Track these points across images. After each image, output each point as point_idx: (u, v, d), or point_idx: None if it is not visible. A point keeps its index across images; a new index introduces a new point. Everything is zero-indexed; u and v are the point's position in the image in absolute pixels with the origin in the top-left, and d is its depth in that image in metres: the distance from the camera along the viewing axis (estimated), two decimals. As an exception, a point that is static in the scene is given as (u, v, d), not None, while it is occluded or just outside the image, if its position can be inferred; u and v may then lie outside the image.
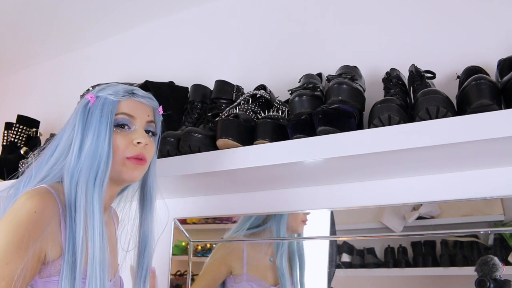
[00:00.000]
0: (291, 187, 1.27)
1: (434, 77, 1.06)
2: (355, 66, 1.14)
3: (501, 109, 0.85)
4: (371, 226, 1.15)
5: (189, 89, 1.40)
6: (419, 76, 1.02)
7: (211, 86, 1.33)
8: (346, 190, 1.19)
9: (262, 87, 1.27)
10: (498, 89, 0.85)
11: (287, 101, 1.17)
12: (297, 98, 1.04)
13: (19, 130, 1.72)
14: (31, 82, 2.18)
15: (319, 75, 1.21)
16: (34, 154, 0.97)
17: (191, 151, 1.13)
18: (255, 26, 1.52)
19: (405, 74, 1.10)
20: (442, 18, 1.19)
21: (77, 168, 0.83)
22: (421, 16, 1.22)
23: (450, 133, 0.82)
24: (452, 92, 0.98)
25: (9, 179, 1.50)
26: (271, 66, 1.44)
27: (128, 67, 1.80)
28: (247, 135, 1.08)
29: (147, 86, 1.43)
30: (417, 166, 1.03)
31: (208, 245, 1.42)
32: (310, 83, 1.10)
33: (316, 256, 1.22)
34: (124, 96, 0.89)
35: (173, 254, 1.45)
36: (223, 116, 1.16)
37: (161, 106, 0.98)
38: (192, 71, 1.60)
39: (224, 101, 1.27)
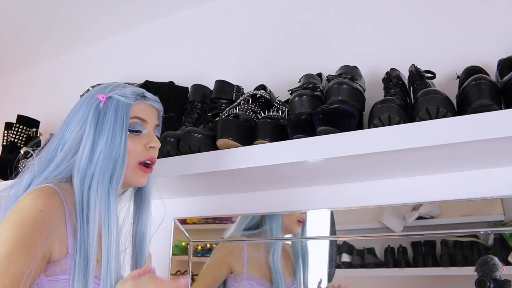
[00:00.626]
0: (291, 187, 1.27)
1: (434, 77, 1.06)
2: (355, 66, 1.14)
3: (501, 109, 0.85)
4: (371, 226, 1.15)
5: (189, 89, 1.40)
6: (419, 76, 1.02)
7: (211, 86, 1.33)
8: (346, 190, 1.19)
9: (262, 87, 1.27)
10: (498, 89, 0.85)
11: (287, 101, 1.17)
12: (297, 98, 1.04)
13: (19, 130, 1.72)
14: (31, 82, 2.18)
15: (319, 75, 1.21)
16: (27, 155, 0.96)
17: (191, 151, 1.13)
18: (255, 26, 1.52)
19: (405, 74, 1.10)
20: (442, 18, 1.19)
21: (89, 170, 0.83)
22: (421, 16, 1.22)
23: (450, 133, 0.82)
24: (452, 92, 0.98)
25: (11, 179, 1.49)
26: (271, 66, 1.44)
27: (128, 67, 1.80)
28: (247, 135, 1.08)
29: (147, 86, 1.43)
30: (417, 166, 1.03)
31: (208, 245, 1.42)
32: (310, 83, 1.10)
33: (316, 256, 1.22)
34: (136, 99, 0.90)
35: (173, 254, 1.45)
36: (223, 116, 1.16)
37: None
38: (192, 71, 1.60)
39: (224, 101, 1.27)
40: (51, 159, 0.86)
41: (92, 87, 1.17)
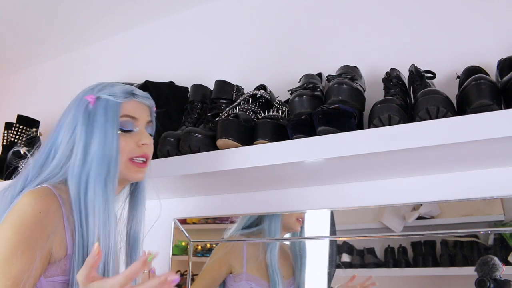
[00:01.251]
0: (291, 187, 1.27)
1: (434, 77, 1.06)
2: (355, 66, 1.14)
3: (501, 109, 0.85)
4: (371, 226, 1.15)
5: (189, 89, 1.40)
6: (419, 76, 1.02)
7: (211, 86, 1.33)
8: (346, 190, 1.19)
9: (262, 87, 1.27)
10: (498, 89, 0.85)
11: (287, 101, 1.17)
12: (297, 98, 1.04)
13: (19, 130, 1.72)
14: (31, 82, 2.18)
15: (319, 75, 1.21)
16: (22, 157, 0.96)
17: (191, 151, 1.13)
18: (255, 26, 1.52)
19: (405, 74, 1.10)
20: (442, 18, 1.19)
21: (84, 172, 0.83)
22: (421, 16, 1.22)
23: (450, 133, 0.82)
24: (452, 92, 0.98)
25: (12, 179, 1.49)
26: (271, 66, 1.44)
27: (128, 67, 1.80)
28: (247, 135, 1.08)
29: (147, 86, 1.43)
30: (417, 166, 1.03)
31: (208, 245, 1.42)
32: (310, 83, 1.10)
33: (316, 256, 1.22)
34: (126, 97, 0.89)
35: (173, 254, 1.45)
36: (223, 116, 1.16)
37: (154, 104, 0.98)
38: (192, 71, 1.60)
39: (224, 101, 1.27)
40: (44, 164, 0.86)
41: (97, 85, 1.16)
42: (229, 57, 1.55)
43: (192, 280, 1.39)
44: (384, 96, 1.02)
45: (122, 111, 0.88)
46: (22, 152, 1.62)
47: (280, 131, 1.06)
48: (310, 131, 0.99)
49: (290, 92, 1.12)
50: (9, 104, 2.20)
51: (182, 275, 1.42)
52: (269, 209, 1.29)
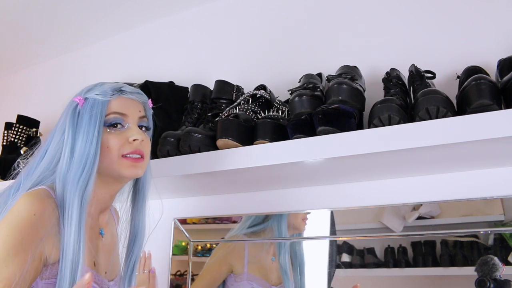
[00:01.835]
0: (291, 187, 1.27)
1: (434, 77, 1.06)
2: (355, 66, 1.14)
3: (501, 109, 0.85)
4: (371, 226, 1.15)
5: (189, 89, 1.40)
6: (419, 76, 1.02)
7: (211, 86, 1.33)
8: (346, 190, 1.19)
9: (262, 87, 1.27)
10: (498, 89, 0.85)
11: (287, 101, 1.17)
12: (297, 98, 1.04)
13: (19, 130, 1.72)
14: (31, 82, 2.18)
15: (319, 75, 1.21)
16: (22, 160, 0.96)
17: (191, 151, 1.13)
18: (255, 26, 1.52)
19: (405, 74, 1.10)
20: (442, 18, 1.19)
21: (68, 173, 0.82)
22: (421, 16, 1.22)
23: (450, 133, 0.82)
24: (452, 92, 0.98)
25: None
26: (271, 66, 1.44)
27: (128, 67, 1.80)
28: (247, 135, 1.08)
29: (147, 86, 1.43)
30: (417, 166, 1.03)
31: (208, 245, 1.42)
32: (310, 83, 1.10)
33: (316, 256, 1.22)
34: (113, 95, 0.88)
35: (173, 254, 1.45)
36: (223, 116, 1.16)
37: (150, 100, 0.97)
38: (192, 71, 1.60)
39: (224, 101, 1.27)
40: (36, 167, 0.86)
41: (87, 87, 1.17)
42: (229, 57, 1.55)
43: (192, 280, 1.39)
44: (384, 96, 1.02)
45: (109, 108, 0.87)
46: (22, 152, 1.63)
47: (280, 131, 1.06)
48: (310, 131, 0.99)
49: (290, 92, 1.12)
50: (9, 104, 2.20)
51: (182, 275, 1.43)
52: (269, 209, 1.29)
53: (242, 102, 1.20)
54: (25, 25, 1.85)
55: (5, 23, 1.83)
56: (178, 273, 1.43)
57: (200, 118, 1.30)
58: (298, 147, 0.97)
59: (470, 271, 1.00)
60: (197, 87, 1.37)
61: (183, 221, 1.45)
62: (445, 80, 1.11)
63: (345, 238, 1.18)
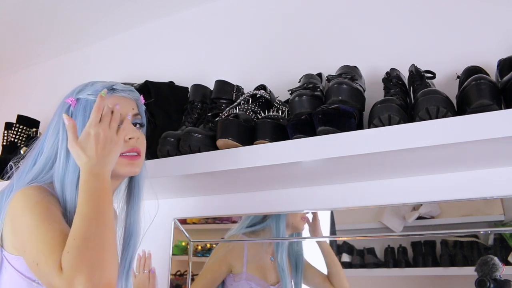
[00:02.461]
0: (291, 187, 1.27)
1: (434, 77, 1.06)
2: (355, 66, 1.14)
3: (501, 109, 0.85)
4: (371, 226, 1.15)
5: (189, 89, 1.40)
6: (419, 76, 1.02)
7: (211, 86, 1.33)
8: (346, 190, 1.19)
9: (262, 87, 1.27)
10: (498, 89, 0.85)
11: (287, 101, 1.17)
12: (297, 98, 1.04)
13: (19, 130, 1.72)
14: (31, 82, 2.18)
15: (319, 75, 1.21)
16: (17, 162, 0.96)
17: (191, 151, 1.13)
18: (255, 26, 1.52)
19: (405, 74, 1.10)
20: (442, 18, 1.19)
21: (66, 174, 0.83)
22: (421, 16, 1.22)
23: (450, 133, 0.82)
24: (452, 92, 0.98)
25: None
26: (271, 66, 1.44)
27: (128, 67, 1.80)
28: (247, 135, 1.08)
29: (147, 86, 1.43)
30: (417, 166, 1.03)
31: (208, 245, 1.42)
32: (310, 83, 1.10)
33: (316, 256, 1.22)
34: None
35: (173, 254, 1.45)
36: (223, 116, 1.16)
37: (141, 96, 0.97)
38: (192, 71, 1.60)
39: (224, 101, 1.27)
40: (31, 169, 0.86)
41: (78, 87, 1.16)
42: (229, 57, 1.55)
43: (192, 280, 1.39)
44: (384, 96, 1.02)
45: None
46: (22, 152, 1.63)
47: (280, 131, 1.06)
48: (310, 131, 0.99)
49: (290, 92, 1.12)
50: (9, 104, 2.20)
51: (182, 275, 1.43)
52: (269, 209, 1.29)
53: (242, 102, 1.20)
54: (25, 25, 1.85)
55: (5, 23, 1.83)
56: (178, 273, 1.43)
57: (200, 118, 1.30)
58: (298, 147, 0.97)
59: (470, 271, 1.00)
60: (197, 87, 1.37)
61: (183, 221, 1.45)
62: (445, 80, 1.11)
63: (345, 238, 1.18)
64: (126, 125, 0.88)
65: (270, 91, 1.26)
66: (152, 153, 1.15)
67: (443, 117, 0.87)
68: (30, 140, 1.73)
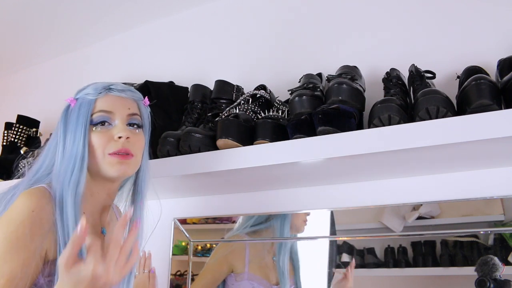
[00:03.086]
0: (291, 187, 1.27)
1: (434, 77, 1.06)
2: (355, 66, 1.14)
3: (501, 109, 0.85)
4: (371, 226, 1.15)
5: (189, 89, 1.40)
6: (419, 76, 1.02)
7: (211, 86, 1.33)
8: (346, 190, 1.19)
9: (262, 87, 1.27)
10: (498, 89, 0.85)
11: (287, 101, 1.17)
12: (297, 98, 1.04)
13: (19, 130, 1.72)
14: (31, 82, 2.18)
15: (319, 75, 1.21)
16: (27, 161, 0.97)
17: (191, 151, 1.13)
18: (255, 26, 1.52)
19: (405, 74, 1.10)
20: (442, 18, 1.19)
21: (60, 173, 0.83)
22: (421, 16, 1.22)
23: (450, 133, 0.82)
24: (452, 92, 0.98)
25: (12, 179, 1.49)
26: (271, 66, 1.44)
27: (128, 67, 1.80)
28: (247, 135, 1.08)
29: (147, 86, 1.43)
30: (417, 166, 1.03)
31: (208, 245, 1.42)
32: (310, 83, 1.10)
33: (316, 256, 1.22)
34: (100, 93, 0.88)
35: (173, 254, 1.45)
36: (223, 116, 1.16)
37: (146, 98, 0.96)
38: (192, 71, 1.60)
39: (224, 101, 1.27)
40: (39, 168, 0.87)
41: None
42: (229, 57, 1.55)
43: (192, 280, 1.39)
44: (384, 96, 1.02)
45: (95, 107, 0.87)
46: (22, 152, 1.63)
47: (280, 131, 1.06)
48: (310, 131, 0.99)
49: (290, 92, 1.12)
50: (9, 104, 2.20)
51: (182, 275, 1.43)
52: (269, 209, 1.29)
53: (242, 102, 1.20)
54: (25, 25, 1.85)
55: (5, 23, 1.83)
56: (178, 273, 1.43)
57: (200, 118, 1.30)
58: (298, 147, 0.97)
59: (470, 271, 1.00)
60: (197, 87, 1.37)
61: (183, 221, 1.45)
62: (445, 80, 1.11)
63: (345, 238, 1.18)
64: (118, 124, 0.87)
65: (270, 91, 1.26)
66: (152, 153, 1.15)
67: (443, 117, 0.87)
68: (30, 140, 1.74)
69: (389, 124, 0.91)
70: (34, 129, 1.76)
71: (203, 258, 1.40)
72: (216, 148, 1.11)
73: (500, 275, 0.97)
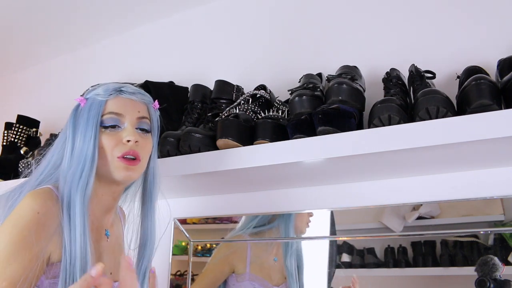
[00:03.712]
0: (291, 187, 1.27)
1: (434, 77, 1.06)
2: (355, 66, 1.14)
3: (501, 109, 0.85)
4: (371, 226, 1.15)
5: (189, 89, 1.40)
6: (419, 76, 1.02)
7: (211, 86, 1.33)
8: (346, 190, 1.19)
9: (262, 87, 1.27)
10: (498, 89, 0.85)
11: (287, 101, 1.17)
12: (297, 98, 1.04)
13: (19, 130, 1.72)
14: (31, 82, 2.18)
15: (319, 75, 1.21)
16: (34, 158, 0.97)
17: (191, 151, 1.13)
18: (255, 26, 1.52)
19: (405, 74, 1.10)
20: (442, 18, 1.19)
21: (69, 173, 0.83)
22: (421, 16, 1.22)
23: (450, 133, 0.82)
24: (452, 92, 0.98)
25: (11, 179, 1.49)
26: (271, 66, 1.44)
27: (128, 67, 1.80)
28: (247, 135, 1.08)
29: (147, 86, 1.43)
30: (417, 166, 1.03)
31: (208, 245, 1.42)
32: (310, 83, 1.10)
33: (316, 256, 1.22)
34: (111, 94, 0.87)
35: (173, 254, 1.45)
36: (223, 116, 1.16)
37: (156, 101, 0.96)
38: (192, 71, 1.60)
39: (224, 101, 1.27)
40: (46, 167, 0.87)
41: (92, 87, 1.17)
42: (229, 57, 1.55)
43: (192, 280, 1.39)
44: (384, 96, 1.02)
45: (106, 108, 0.86)
46: (22, 152, 1.63)
47: (280, 131, 1.06)
48: (310, 131, 0.99)
49: (290, 92, 1.12)
50: (9, 104, 2.20)
51: (182, 275, 1.43)
52: (269, 209, 1.29)
53: (242, 102, 1.20)
54: (25, 25, 1.85)
55: (5, 23, 1.83)
56: (178, 273, 1.43)
57: (200, 118, 1.31)
58: (298, 147, 0.97)
59: (470, 271, 1.00)
60: (197, 87, 1.37)
61: (183, 221, 1.45)
62: (445, 80, 1.11)
63: (345, 238, 1.18)
64: (128, 127, 0.87)
65: (270, 91, 1.26)
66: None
67: (443, 117, 0.87)
68: (30, 140, 1.74)
69: (389, 124, 0.91)
70: (34, 129, 1.76)
71: (203, 258, 1.40)
72: (216, 148, 1.11)
73: (500, 275, 0.97)
